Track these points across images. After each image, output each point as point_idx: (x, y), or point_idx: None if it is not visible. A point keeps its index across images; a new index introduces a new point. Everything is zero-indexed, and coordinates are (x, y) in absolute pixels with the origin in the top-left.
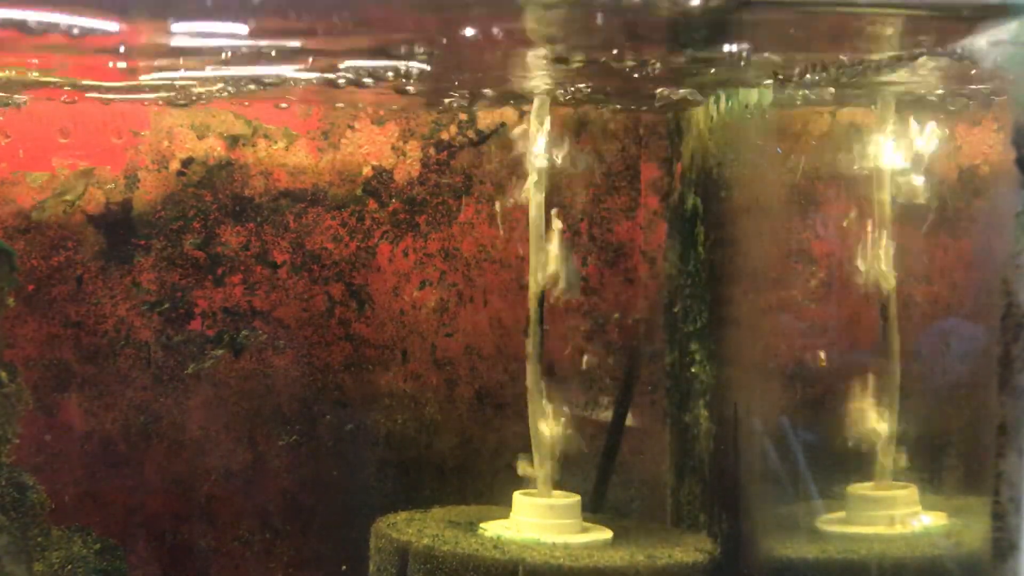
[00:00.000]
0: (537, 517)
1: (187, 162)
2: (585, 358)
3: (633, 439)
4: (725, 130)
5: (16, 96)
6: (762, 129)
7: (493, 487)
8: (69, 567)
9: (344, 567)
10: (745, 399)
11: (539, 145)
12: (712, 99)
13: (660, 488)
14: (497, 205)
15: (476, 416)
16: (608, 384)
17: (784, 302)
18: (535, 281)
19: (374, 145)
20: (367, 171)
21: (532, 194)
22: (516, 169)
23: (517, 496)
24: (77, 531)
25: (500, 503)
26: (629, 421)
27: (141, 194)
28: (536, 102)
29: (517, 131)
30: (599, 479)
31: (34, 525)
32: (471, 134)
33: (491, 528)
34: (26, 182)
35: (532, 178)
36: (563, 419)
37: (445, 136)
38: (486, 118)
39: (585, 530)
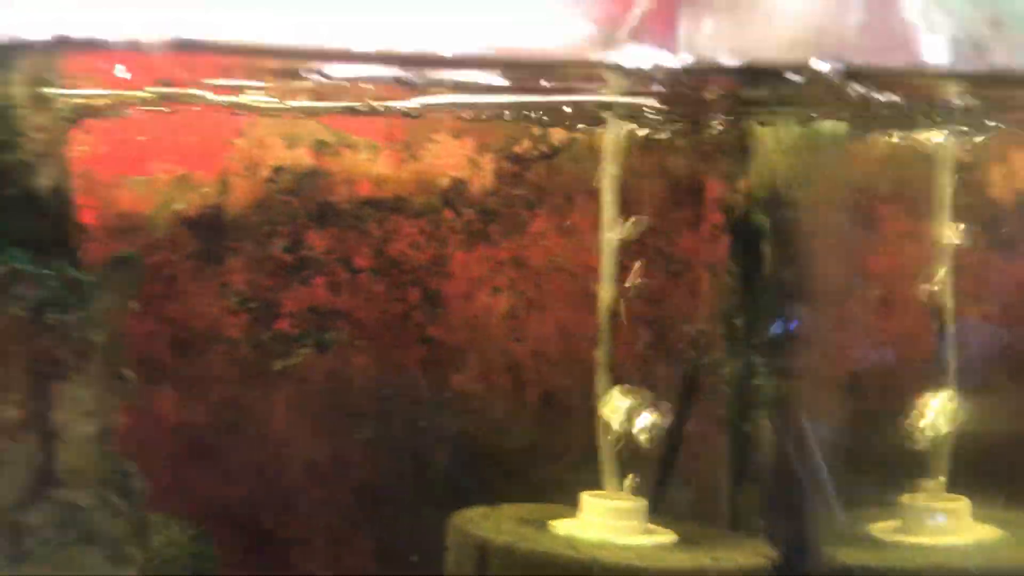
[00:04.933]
0: (604, 518)
1: (277, 170)
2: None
3: (691, 445)
4: (794, 152)
5: (122, 110)
6: (830, 151)
7: (559, 486)
8: (169, 548)
9: (414, 558)
10: (806, 411)
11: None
12: (782, 122)
13: (718, 494)
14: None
15: (542, 419)
16: (670, 391)
17: (847, 318)
18: (606, 291)
19: (452, 157)
20: (444, 182)
21: (605, 208)
22: (587, 184)
23: (586, 497)
24: (171, 518)
25: (563, 502)
26: (689, 428)
27: (233, 199)
28: (609, 126)
29: None
30: (658, 483)
31: (139, 510)
32: (544, 148)
33: (561, 527)
34: (127, 185)
35: (606, 194)
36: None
37: (518, 150)
38: (558, 133)
39: (650, 532)
